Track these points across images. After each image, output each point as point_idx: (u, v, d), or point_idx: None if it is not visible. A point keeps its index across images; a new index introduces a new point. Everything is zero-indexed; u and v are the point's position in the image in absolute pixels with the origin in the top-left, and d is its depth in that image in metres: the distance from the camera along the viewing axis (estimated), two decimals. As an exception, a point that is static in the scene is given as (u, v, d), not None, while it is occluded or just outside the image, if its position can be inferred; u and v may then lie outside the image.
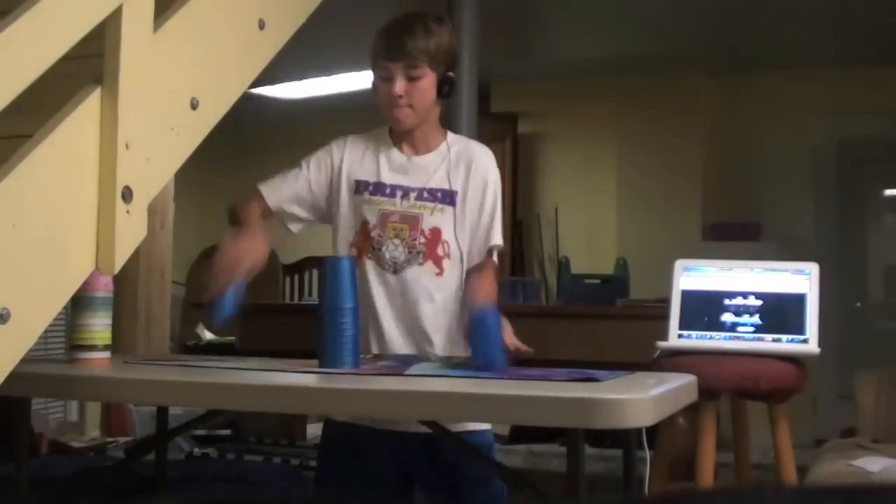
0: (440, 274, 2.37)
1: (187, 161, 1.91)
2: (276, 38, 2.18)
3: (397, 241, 2.38)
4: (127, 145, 1.71)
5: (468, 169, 2.41)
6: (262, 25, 2.12)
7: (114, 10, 1.68)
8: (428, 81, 2.36)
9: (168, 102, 1.85)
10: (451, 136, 2.49)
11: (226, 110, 2.01)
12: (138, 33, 1.74)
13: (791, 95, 6.27)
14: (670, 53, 5.98)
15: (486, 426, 2.38)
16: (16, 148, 1.56)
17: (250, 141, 7.68)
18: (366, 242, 2.37)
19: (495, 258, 2.41)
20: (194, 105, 1.90)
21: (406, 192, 2.40)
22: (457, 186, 2.40)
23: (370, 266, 2.36)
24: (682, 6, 5.10)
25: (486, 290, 2.27)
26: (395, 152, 2.44)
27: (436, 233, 2.38)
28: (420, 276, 2.36)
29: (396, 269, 2.37)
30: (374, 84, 2.41)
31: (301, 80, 6.52)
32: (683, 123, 6.38)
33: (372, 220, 2.38)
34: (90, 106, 1.68)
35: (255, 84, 2.22)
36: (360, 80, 6.53)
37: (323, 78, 6.52)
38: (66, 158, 1.64)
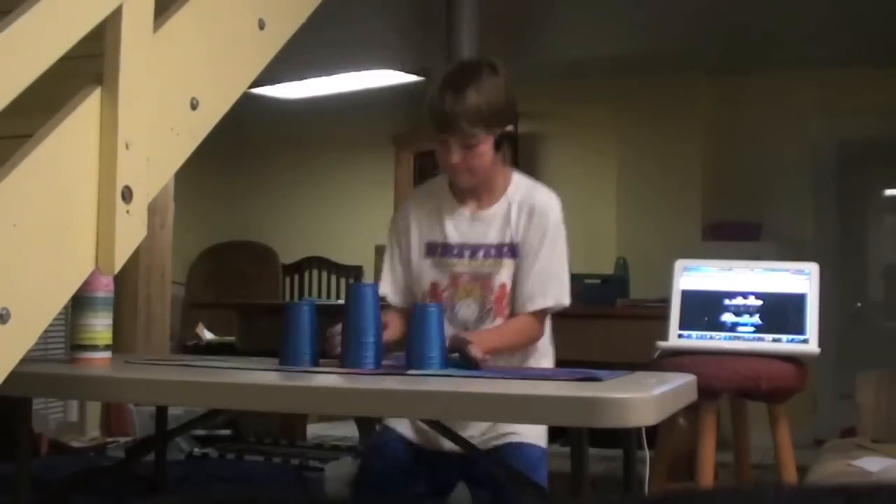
0: None
1: (187, 161, 1.91)
2: (276, 38, 2.18)
3: (470, 301, 2.39)
4: (127, 145, 1.71)
5: (529, 217, 2.39)
6: (262, 25, 2.12)
7: (114, 10, 1.68)
8: (484, 147, 2.34)
9: (168, 102, 1.85)
10: (515, 180, 2.46)
11: (226, 110, 2.01)
12: (138, 33, 1.73)
13: (791, 95, 6.27)
14: (670, 53, 5.98)
15: (533, 440, 2.39)
16: (16, 148, 1.56)
17: (250, 141, 7.68)
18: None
19: (534, 314, 2.38)
20: (194, 105, 1.90)
21: (474, 250, 2.40)
22: (518, 238, 2.39)
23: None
24: (681, 6, 5.09)
25: (486, 337, 2.27)
26: (458, 209, 2.43)
27: (503, 288, 2.39)
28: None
29: (468, 327, 2.37)
30: (435, 143, 2.39)
31: (301, 80, 6.52)
32: (683, 123, 6.38)
33: (443, 281, 2.40)
34: (90, 106, 1.68)
35: (255, 84, 2.22)
36: (360, 80, 6.54)
37: (323, 78, 6.52)
38: (66, 158, 1.64)
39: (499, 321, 2.38)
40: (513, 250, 2.39)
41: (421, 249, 2.44)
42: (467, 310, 2.39)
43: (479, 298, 2.38)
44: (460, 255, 2.40)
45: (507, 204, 2.42)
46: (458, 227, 2.42)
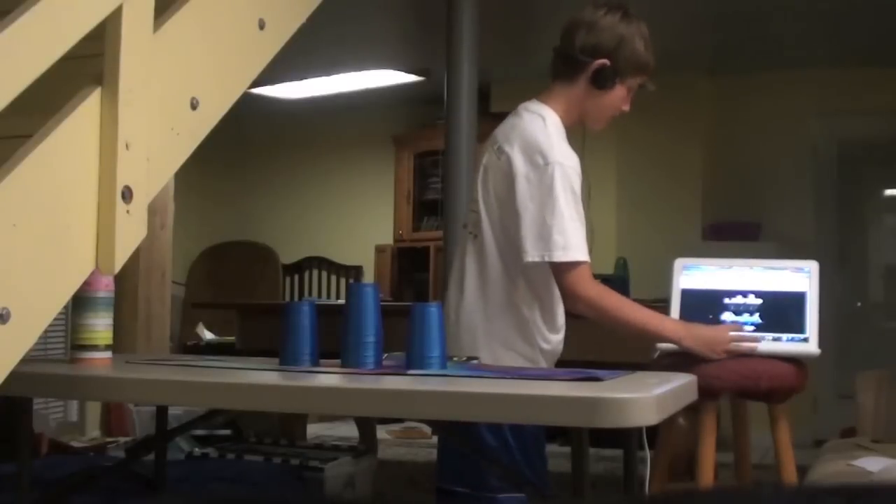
0: None
1: (187, 161, 1.91)
2: (276, 38, 2.18)
3: None
4: (127, 145, 1.71)
5: None
6: (262, 25, 2.12)
7: (114, 10, 1.68)
8: None
9: (168, 102, 1.85)
10: None
11: (226, 110, 2.01)
12: (138, 33, 1.73)
13: (791, 95, 6.27)
14: (670, 53, 5.97)
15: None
16: (16, 148, 1.56)
17: (250, 141, 7.68)
18: None
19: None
20: (194, 105, 1.90)
21: None
22: None
23: None
24: (681, 6, 5.09)
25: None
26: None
27: None
28: None
29: None
30: (613, 87, 2.41)
31: (301, 80, 6.52)
32: (683, 123, 6.38)
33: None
34: (90, 106, 1.68)
35: (255, 84, 2.22)
36: (360, 80, 6.54)
37: (323, 78, 6.53)
38: (66, 158, 1.64)
39: None
40: None
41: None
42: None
43: None
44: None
45: None
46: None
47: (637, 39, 2.43)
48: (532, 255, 2.30)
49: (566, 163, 2.32)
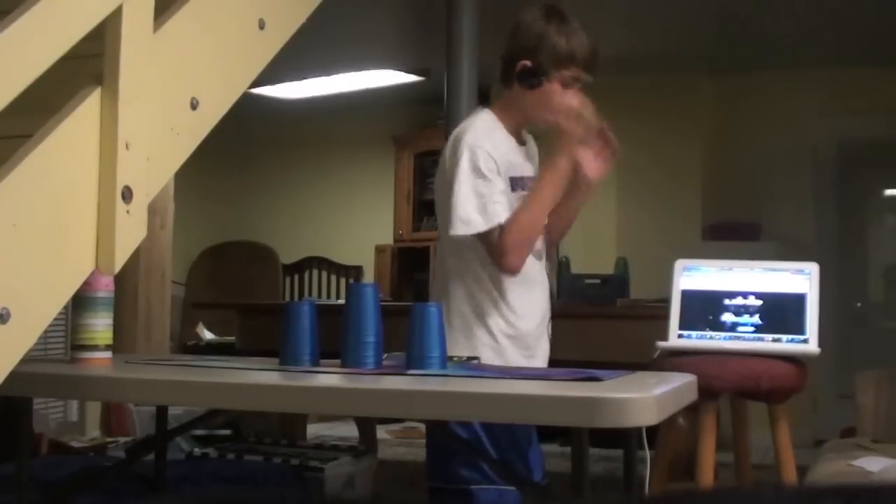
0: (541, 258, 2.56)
1: (187, 161, 1.91)
2: (276, 38, 2.18)
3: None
4: (127, 145, 1.71)
5: (536, 150, 2.60)
6: (262, 25, 2.12)
7: (114, 10, 1.68)
8: None
9: (168, 102, 1.85)
10: None
11: (226, 110, 2.01)
12: (138, 33, 1.73)
13: (791, 95, 6.27)
14: (670, 53, 5.98)
15: None
16: (16, 148, 1.56)
17: (250, 141, 7.68)
18: None
19: None
20: (194, 105, 1.90)
21: (529, 182, 2.50)
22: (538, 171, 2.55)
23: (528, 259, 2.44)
24: (681, 6, 5.10)
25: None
26: (514, 143, 2.51)
27: None
28: (543, 261, 2.54)
29: (541, 258, 2.54)
30: (547, 82, 2.44)
31: (301, 80, 6.52)
32: (683, 123, 6.37)
33: None
34: (90, 106, 1.68)
35: (255, 84, 2.22)
36: (360, 80, 6.54)
37: (323, 78, 6.53)
38: (66, 158, 1.64)
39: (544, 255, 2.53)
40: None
41: (507, 184, 2.46)
42: (538, 240, 2.50)
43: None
44: (525, 188, 2.48)
45: (529, 140, 2.58)
46: (520, 161, 2.51)
47: (555, 34, 2.44)
48: (445, 233, 2.41)
49: (475, 143, 2.39)
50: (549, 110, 2.42)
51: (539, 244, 2.51)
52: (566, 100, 2.39)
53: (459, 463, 2.38)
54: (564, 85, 2.44)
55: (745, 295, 2.81)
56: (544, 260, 2.58)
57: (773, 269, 2.84)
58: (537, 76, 2.43)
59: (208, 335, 6.29)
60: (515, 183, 2.45)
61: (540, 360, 2.51)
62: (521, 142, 2.54)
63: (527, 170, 2.51)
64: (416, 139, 7.27)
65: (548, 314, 2.56)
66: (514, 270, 2.40)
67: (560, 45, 2.43)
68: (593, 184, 2.50)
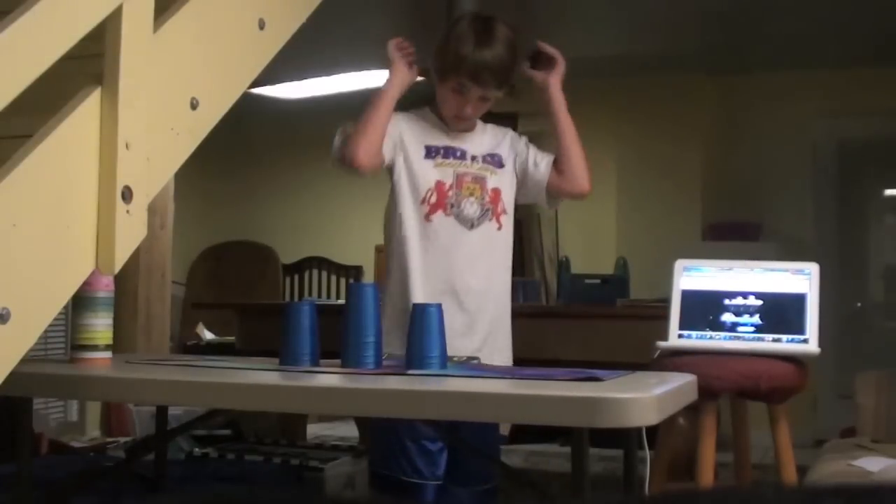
0: (500, 229, 2.58)
1: (187, 161, 1.91)
2: (276, 38, 2.18)
3: (472, 199, 2.56)
4: (127, 145, 1.71)
5: (504, 135, 2.66)
6: (262, 25, 2.12)
7: (114, 10, 1.68)
8: (494, 101, 2.57)
9: (168, 102, 1.85)
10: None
11: (226, 110, 2.01)
12: (138, 33, 1.73)
13: (791, 95, 6.27)
14: (670, 53, 5.98)
15: None
16: (16, 148, 1.56)
17: (250, 141, 7.68)
18: (442, 200, 2.53)
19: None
20: (194, 105, 1.90)
21: (473, 156, 2.58)
22: (504, 151, 2.62)
23: (448, 223, 2.52)
24: (681, 6, 5.09)
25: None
26: (441, 124, 2.62)
27: (496, 192, 2.58)
28: (489, 231, 2.56)
29: (473, 225, 2.54)
30: (442, 87, 2.56)
31: (301, 80, 6.52)
32: (683, 123, 6.37)
33: (448, 180, 2.55)
34: (90, 106, 1.68)
35: (255, 84, 2.22)
36: (360, 80, 6.54)
37: (323, 78, 6.52)
38: (66, 158, 1.64)
39: (494, 221, 2.57)
40: (499, 161, 2.60)
41: (419, 151, 2.57)
42: (470, 207, 2.54)
43: (480, 198, 2.56)
44: (463, 158, 2.57)
45: (483, 129, 2.66)
46: (442, 136, 2.61)
47: (455, 40, 2.53)
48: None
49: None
50: (449, 110, 2.57)
51: (475, 209, 2.54)
52: None
53: (408, 457, 2.43)
54: (454, 91, 2.54)
55: (745, 295, 2.81)
56: (496, 226, 2.59)
57: (773, 270, 2.84)
58: (435, 76, 2.60)
59: (208, 335, 6.29)
60: (430, 150, 2.57)
61: (480, 335, 2.53)
62: (464, 129, 2.62)
63: (453, 143, 2.60)
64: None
65: (495, 287, 2.60)
66: (362, 165, 2.55)
67: (452, 50, 2.53)
68: (556, 54, 2.64)
